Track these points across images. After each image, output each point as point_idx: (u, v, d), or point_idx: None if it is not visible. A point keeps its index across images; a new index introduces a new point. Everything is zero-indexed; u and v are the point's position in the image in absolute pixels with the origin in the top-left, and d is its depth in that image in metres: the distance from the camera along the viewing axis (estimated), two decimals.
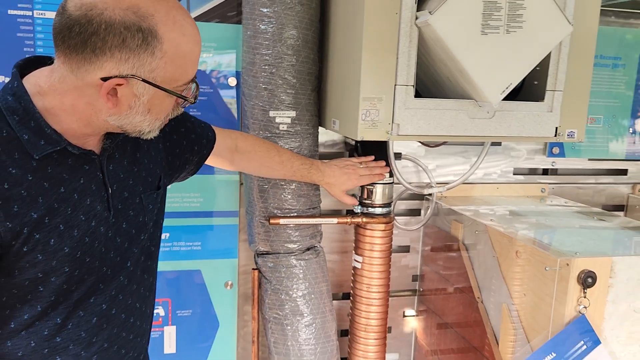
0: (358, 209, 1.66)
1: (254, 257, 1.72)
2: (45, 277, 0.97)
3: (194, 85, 1.00)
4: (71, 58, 0.90)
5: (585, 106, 1.50)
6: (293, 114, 1.57)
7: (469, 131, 1.40)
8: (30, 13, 1.52)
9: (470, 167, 1.78)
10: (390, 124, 1.35)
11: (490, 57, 1.27)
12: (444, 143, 1.86)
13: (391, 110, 1.35)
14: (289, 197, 1.60)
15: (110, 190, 1.04)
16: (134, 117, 0.95)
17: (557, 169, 2.05)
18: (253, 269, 1.71)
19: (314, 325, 1.64)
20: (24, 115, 0.92)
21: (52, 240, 0.95)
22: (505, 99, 1.34)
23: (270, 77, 1.54)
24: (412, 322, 2.04)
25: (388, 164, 1.65)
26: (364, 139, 1.35)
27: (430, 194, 1.86)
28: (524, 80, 1.46)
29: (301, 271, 1.64)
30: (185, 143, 1.27)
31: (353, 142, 1.80)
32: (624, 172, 2.12)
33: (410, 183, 1.79)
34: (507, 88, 1.30)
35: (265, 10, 1.50)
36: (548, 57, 1.40)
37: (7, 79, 1.53)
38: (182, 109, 1.05)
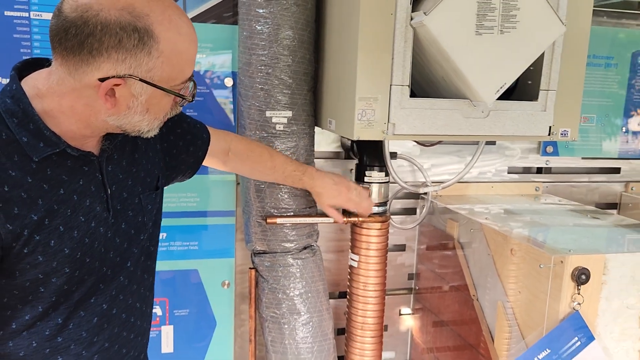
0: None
1: (251, 257, 1.73)
2: (45, 278, 0.97)
3: (191, 84, 1.00)
4: (68, 60, 0.90)
5: (579, 105, 1.51)
6: (289, 114, 1.57)
7: (463, 130, 1.41)
8: (26, 14, 1.53)
9: (465, 166, 1.79)
10: (386, 123, 1.36)
11: (484, 57, 1.28)
12: (439, 142, 1.88)
13: (387, 110, 1.36)
14: (286, 196, 1.61)
15: (110, 191, 1.04)
16: (132, 117, 0.95)
17: (551, 168, 2.07)
18: (250, 268, 1.72)
19: (311, 323, 1.65)
20: (23, 118, 0.93)
21: (53, 241, 0.96)
22: (500, 98, 1.35)
23: (266, 78, 1.54)
24: (408, 321, 2.05)
25: (384, 164, 1.66)
26: (360, 139, 1.36)
27: (425, 193, 1.87)
28: (517, 80, 1.47)
29: (298, 270, 1.64)
30: (182, 144, 1.27)
31: (349, 142, 1.81)
32: (617, 170, 2.14)
33: (405, 182, 1.80)
34: (501, 88, 1.31)
35: (261, 11, 1.51)
36: (541, 57, 1.42)
37: (4, 80, 1.54)
38: (181, 108, 1.05)
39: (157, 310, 1.77)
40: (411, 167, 1.91)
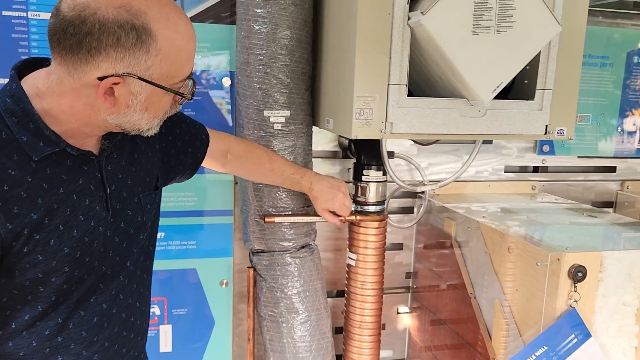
0: (352, 207, 1.67)
1: (249, 256, 1.73)
2: (45, 277, 0.98)
3: (190, 82, 1.00)
4: (67, 59, 0.90)
5: (575, 104, 1.52)
6: (287, 113, 1.58)
7: (461, 129, 1.42)
8: (24, 14, 1.53)
9: (462, 165, 1.80)
10: (384, 122, 1.37)
11: (481, 57, 1.29)
12: (436, 141, 1.88)
13: (384, 109, 1.36)
14: (284, 195, 1.62)
15: (109, 191, 1.05)
16: (132, 115, 0.96)
17: (547, 167, 2.08)
18: (248, 267, 1.72)
19: (309, 322, 1.66)
20: (23, 117, 0.93)
21: (52, 240, 0.96)
22: (497, 97, 1.36)
23: (264, 77, 1.55)
24: (405, 319, 2.06)
25: (382, 163, 1.67)
26: (358, 137, 1.37)
27: (423, 192, 1.88)
28: (514, 79, 1.48)
29: (296, 269, 1.65)
30: (180, 144, 1.27)
31: (347, 142, 1.82)
32: (612, 169, 2.15)
33: (403, 181, 1.81)
34: (498, 87, 1.32)
35: (259, 10, 1.51)
36: (538, 56, 1.42)
37: (2, 80, 1.54)
38: (180, 106, 1.05)
39: (155, 310, 1.77)
40: (408, 166, 1.91)
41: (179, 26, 0.93)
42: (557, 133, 1.50)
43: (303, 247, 1.68)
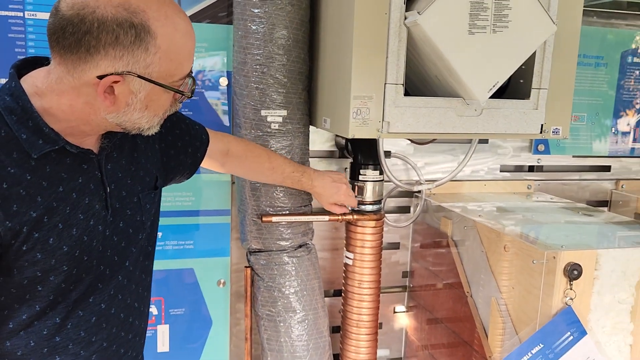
0: (348, 210, 1.68)
1: (246, 255, 1.74)
2: (44, 275, 0.98)
3: (190, 80, 1.00)
4: (67, 58, 0.90)
5: (570, 104, 1.53)
6: (284, 112, 1.58)
7: (457, 129, 1.43)
8: (21, 14, 1.52)
9: (458, 164, 1.81)
10: (381, 121, 1.38)
11: (477, 56, 1.30)
12: (433, 141, 1.89)
13: (381, 108, 1.37)
14: (281, 195, 1.62)
15: (109, 189, 1.04)
16: (132, 114, 0.96)
17: (542, 166, 2.09)
18: (245, 266, 1.72)
19: (306, 321, 1.66)
20: (22, 115, 0.93)
21: (51, 239, 0.96)
22: (492, 97, 1.37)
23: (261, 77, 1.55)
24: (402, 318, 2.06)
25: (378, 162, 1.67)
26: (355, 137, 1.38)
27: (419, 191, 1.88)
28: (510, 78, 1.49)
29: (293, 268, 1.65)
30: (180, 144, 1.27)
31: (343, 141, 1.82)
32: (607, 168, 2.16)
33: (399, 180, 1.81)
34: (494, 86, 1.33)
35: (256, 10, 1.52)
36: (533, 56, 1.43)
37: (1, 80, 1.54)
38: (180, 105, 1.05)
39: (152, 310, 1.77)
40: (405, 165, 1.92)
41: (178, 24, 0.93)
42: (553, 132, 1.52)
43: (300, 246, 1.68)
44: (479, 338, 1.56)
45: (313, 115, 1.67)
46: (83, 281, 1.03)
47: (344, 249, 1.75)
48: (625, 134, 2.14)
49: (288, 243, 1.65)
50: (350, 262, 1.72)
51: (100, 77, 0.90)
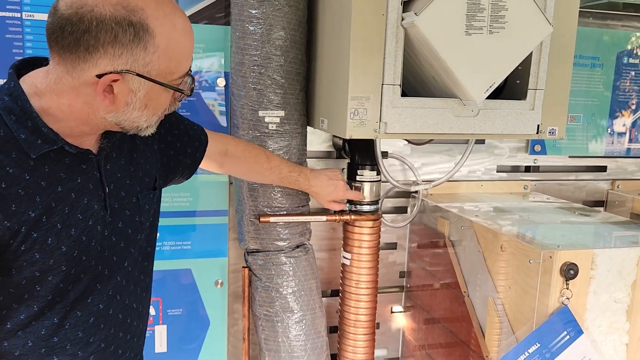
0: (346, 207, 1.69)
1: (244, 255, 1.74)
2: (42, 275, 0.98)
3: (189, 79, 1.00)
4: (66, 58, 0.90)
5: (566, 104, 1.54)
6: (282, 113, 1.59)
7: (454, 129, 1.43)
8: (18, 15, 1.52)
9: (455, 165, 1.82)
10: (378, 122, 1.38)
11: (474, 57, 1.30)
12: (430, 141, 1.90)
13: (379, 109, 1.38)
14: (279, 195, 1.63)
15: (108, 190, 1.04)
16: (131, 113, 0.96)
17: (538, 166, 2.10)
18: (243, 267, 1.72)
19: (304, 321, 1.66)
20: (21, 115, 0.93)
21: (50, 239, 0.96)
22: (489, 97, 1.37)
23: (259, 77, 1.56)
24: (399, 318, 2.07)
25: (375, 162, 1.68)
26: (353, 137, 1.38)
27: (416, 192, 1.89)
28: (506, 79, 1.49)
29: (291, 268, 1.66)
30: (179, 145, 1.27)
31: (341, 142, 1.83)
32: (603, 168, 2.17)
33: (397, 181, 1.82)
34: (490, 87, 1.33)
35: (253, 11, 1.52)
36: (529, 56, 1.44)
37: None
38: (179, 104, 1.05)
39: (150, 310, 1.77)
40: (402, 166, 1.93)
41: (177, 23, 0.93)
42: (549, 132, 1.52)
43: (298, 246, 1.69)
44: (476, 338, 1.57)
45: (310, 115, 1.68)
46: (81, 281, 1.03)
47: (342, 249, 1.76)
48: (621, 134, 2.15)
49: (285, 243, 1.66)
50: (347, 262, 1.73)
51: (100, 76, 0.90)
